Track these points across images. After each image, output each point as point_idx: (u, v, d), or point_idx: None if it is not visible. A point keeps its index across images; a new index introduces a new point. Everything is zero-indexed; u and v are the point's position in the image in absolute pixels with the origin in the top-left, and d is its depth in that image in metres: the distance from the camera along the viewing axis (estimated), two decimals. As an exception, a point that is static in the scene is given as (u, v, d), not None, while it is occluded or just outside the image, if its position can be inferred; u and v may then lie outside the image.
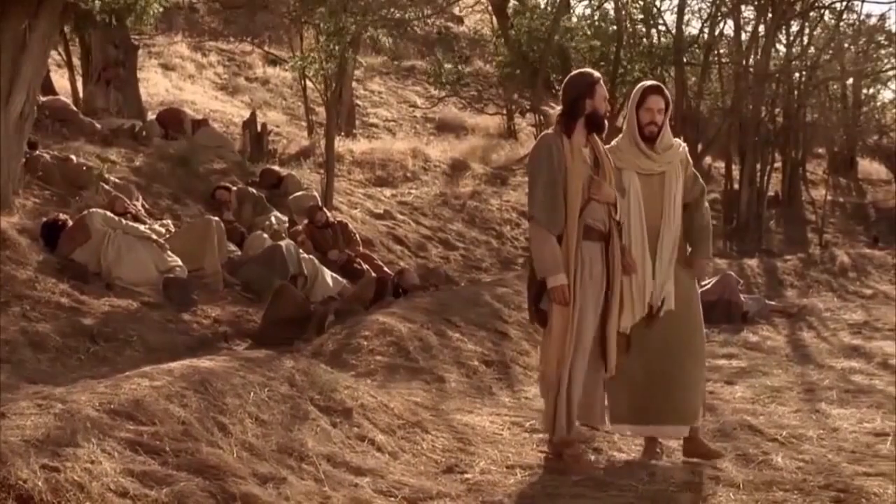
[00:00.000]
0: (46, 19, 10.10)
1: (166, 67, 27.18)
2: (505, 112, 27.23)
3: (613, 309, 5.46)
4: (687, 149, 5.89)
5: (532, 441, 6.18)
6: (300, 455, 4.91)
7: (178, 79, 26.34)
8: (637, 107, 5.60)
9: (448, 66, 23.19)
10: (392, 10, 16.32)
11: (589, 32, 21.14)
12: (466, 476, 5.38)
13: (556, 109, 5.56)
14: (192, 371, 5.35)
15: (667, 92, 5.69)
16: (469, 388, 7.58)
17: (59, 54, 19.97)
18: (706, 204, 5.93)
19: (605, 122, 5.51)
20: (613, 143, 5.75)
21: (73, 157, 11.77)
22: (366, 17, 14.76)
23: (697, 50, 21.40)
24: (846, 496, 5.16)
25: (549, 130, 5.51)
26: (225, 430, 4.82)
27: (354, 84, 28.76)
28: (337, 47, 14.43)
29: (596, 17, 22.10)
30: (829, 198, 24.39)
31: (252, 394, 5.29)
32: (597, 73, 5.55)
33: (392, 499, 4.85)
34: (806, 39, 24.20)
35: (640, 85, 5.79)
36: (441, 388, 7.36)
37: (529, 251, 5.58)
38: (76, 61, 17.99)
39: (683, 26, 21.02)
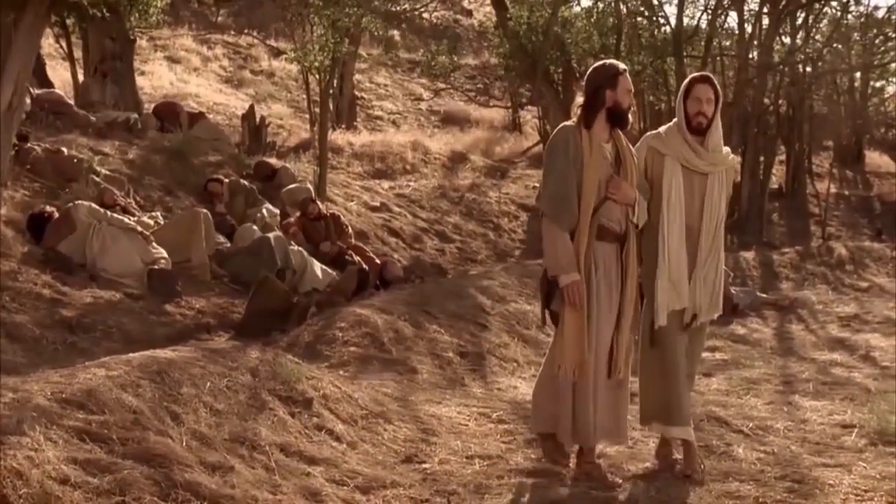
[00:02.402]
0: (33, 12, 10.13)
1: (172, 60, 27.31)
2: (509, 105, 27.23)
3: (626, 313, 5.17)
4: (738, 161, 5.70)
5: (497, 432, 6.21)
6: (252, 444, 4.95)
7: (182, 71, 26.46)
8: (685, 97, 5.34)
9: (442, 58, 23.09)
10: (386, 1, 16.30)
11: (590, 22, 21.07)
12: (424, 466, 5.42)
13: (577, 100, 5.43)
14: (150, 361, 5.39)
15: (716, 83, 5.43)
16: (441, 380, 7.60)
17: (61, 47, 20.10)
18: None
19: (629, 116, 5.26)
20: (661, 129, 5.53)
21: (63, 149, 11.83)
22: (360, 8, 14.76)
23: (698, 41, 21.32)
24: (800, 486, 5.18)
25: (570, 122, 5.25)
26: (177, 419, 4.86)
27: (360, 77, 28.84)
28: (331, 40, 14.43)
29: (599, 8, 22.03)
30: (833, 190, 24.29)
31: (209, 384, 5.33)
32: (622, 65, 5.29)
33: (344, 488, 4.88)
34: (811, 31, 24.09)
35: (689, 76, 5.58)
36: (412, 379, 7.39)
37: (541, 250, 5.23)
38: (78, 54, 18.08)
39: (684, 17, 20.99)
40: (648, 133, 5.62)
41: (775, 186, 24.15)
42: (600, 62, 5.38)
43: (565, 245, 4.98)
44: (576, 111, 5.30)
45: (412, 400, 6.73)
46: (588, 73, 5.31)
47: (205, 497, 4.21)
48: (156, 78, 24.56)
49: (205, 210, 11.23)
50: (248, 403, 5.39)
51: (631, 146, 5.32)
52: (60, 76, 19.82)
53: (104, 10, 11.58)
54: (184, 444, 4.64)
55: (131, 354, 5.64)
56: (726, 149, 5.49)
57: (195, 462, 4.48)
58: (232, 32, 30.16)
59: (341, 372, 7.19)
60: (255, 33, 29.25)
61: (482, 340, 8.72)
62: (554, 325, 5.17)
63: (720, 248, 5.43)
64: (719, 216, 5.38)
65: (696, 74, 5.55)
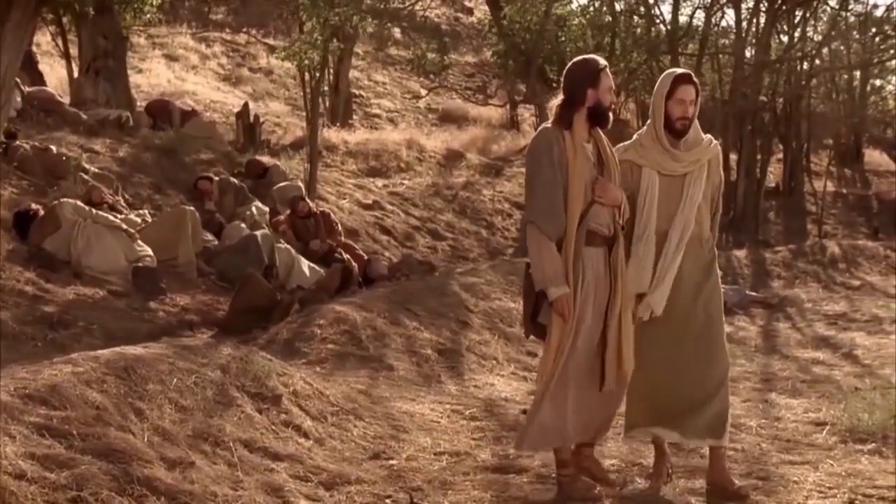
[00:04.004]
0: (20, 10, 10.14)
1: (170, 58, 27.33)
2: (505, 102, 27.21)
3: (613, 319, 4.81)
4: (720, 147, 5.23)
5: (468, 429, 6.24)
6: (216, 440, 4.97)
7: (180, 69, 26.48)
8: (667, 98, 4.93)
9: (431, 55, 23.05)
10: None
11: (584, 21, 21.09)
12: (391, 462, 5.44)
13: (555, 99, 4.87)
14: (118, 357, 5.41)
15: (696, 80, 5.05)
16: (417, 377, 7.62)
17: (57, 45, 20.14)
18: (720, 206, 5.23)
19: (611, 114, 4.85)
20: (635, 137, 5.14)
21: (52, 147, 11.87)
22: (349, 7, 14.79)
23: (694, 38, 21.33)
24: (764, 483, 5.18)
25: (548, 123, 4.85)
26: (141, 415, 4.89)
27: (358, 75, 28.85)
28: (320, 38, 14.47)
29: (595, 6, 22.05)
30: (832, 189, 24.26)
31: (176, 380, 5.35)
32: (602, 61, 4.90)
33: (307, 484, 4.91)
34: (808, 29, 24.10)
35: (667, 73, 5.12)
36: (388, 377, 7.40)
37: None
38: (75, 52, 18.11)
39: (680, 15, 20.99)
40: (621, 145, 5.16)
41: (772, 185, 24.13)
42: (580, 58, 4.97)
43: (552, 256, 4.66)
44: (554, 111, 4.86)
45: (385, 397, 6.75)
46: (566, 69, 4.94)
47: (162, 492, 4.23)
48: (153, 76, 24.60)
49: (191, 208, 11.27)
50: (214, 399, 5.41)
51: (611, 145, 5.01)
52: (57, 74, 19.86)
53: (88, 10, 11.57)
54: (145, 439, 4.66)
55: (100, 351, 5.66)
56: (707, 137, 5.12)
57: (155, 458, 4.50)
58: (229, 30, 30.17)
59: (318, 369, 7.22)
60: (253, 31, 29.28)
61: (462, 338, 8.73)
62: (538, 337, 4.89)
63: (684, 244, 4.97)
64: (693, 214, 4.98)
65: (678, 73, 5.09)
